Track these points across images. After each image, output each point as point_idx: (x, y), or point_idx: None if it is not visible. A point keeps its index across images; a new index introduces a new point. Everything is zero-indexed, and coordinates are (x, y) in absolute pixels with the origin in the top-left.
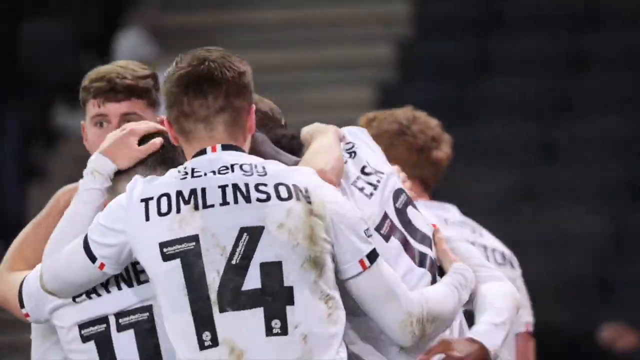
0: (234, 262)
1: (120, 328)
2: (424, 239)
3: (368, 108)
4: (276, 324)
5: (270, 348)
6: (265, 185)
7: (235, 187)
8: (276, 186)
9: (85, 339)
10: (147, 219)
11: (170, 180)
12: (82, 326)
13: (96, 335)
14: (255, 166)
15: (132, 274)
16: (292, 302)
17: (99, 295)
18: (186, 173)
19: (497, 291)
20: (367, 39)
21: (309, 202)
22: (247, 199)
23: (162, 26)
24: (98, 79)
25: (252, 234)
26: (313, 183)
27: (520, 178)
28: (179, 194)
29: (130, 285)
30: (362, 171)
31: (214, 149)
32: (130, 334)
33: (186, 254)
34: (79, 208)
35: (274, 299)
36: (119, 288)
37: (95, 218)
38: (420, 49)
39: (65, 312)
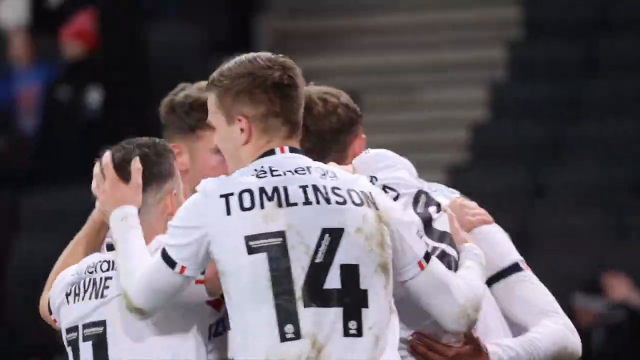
0: (317, 260)
1: (85, 338)
2: (443, 237)
3: (481, 107)
4: (352, 325)
5: (346, 347)
6: (340, 189)
7: (315, 188)
8: (349, 191)
9: (67, 343)
10: (229, 213)
11: (249, 178)
12: (66, 331)
13: (72, 342)
14: (326, 170)
15: (100, 287)
16: (366, 305)
17: (73, 303)
18: (264, 171)
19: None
20: (481, 42)
21: (377, 209)
22: (328, 201)
23: (290, 31)
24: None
25: (333, 235)
26: (374, 190)
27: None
28: (262, 190)
29: (96, 297)
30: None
31: (282, 150)
32: (89, 345)
33: (273, 248)
34: (134, 247)
35: (352, 300)
36: (89, 298)
37: (169, 225)
38: (530, 51)
39: (61, 314)
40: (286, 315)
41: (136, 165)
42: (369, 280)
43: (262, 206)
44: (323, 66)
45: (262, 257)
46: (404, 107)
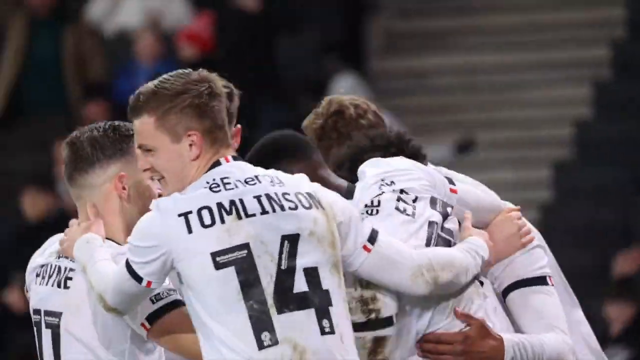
0: (282, 267)
1: (46, 325)
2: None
3: (586, 105)
4: (326, 323)
5: (325, 346)
6: (289, 194)
7: (268, 196)
8: (297, 195)
9: (34, 324)
10: (190, 231)
11: (203, 193)
12: (33, 311)
13: (36, 324)
14: (272, 176)
15: (62, 276)
16: (331, 304)
17: (39, 285)
18: (217, 184)
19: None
20: (586, 41)
21: (323, 208)
22: (282, 208)
23: (399, 31)
24: None
25: (292, 241)
26: (313, 187)
27: None
28: (220, 205)
29: (58, 286)
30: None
31: (227, 160)
32: (49, 333)
33: (239, 261)
34: (102, 259)
35: (320, 301)
36: (52, 285)
37: (129, 242)
38: (634, 50)
39: (30, 293)
40: (261, 324)
41: (91, 209)
42: (328, 281)
43: (222, 221)
44: (432, 65)
45: (230, 270)
46: (511, 104)
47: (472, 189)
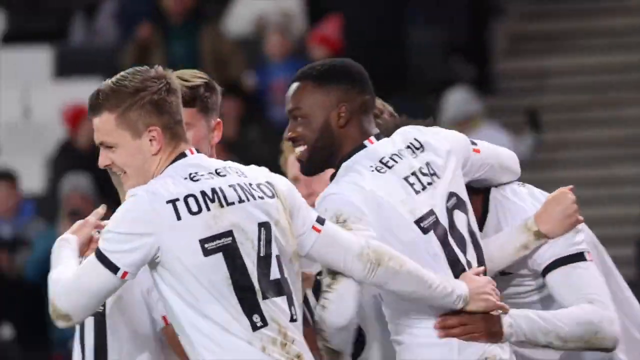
0: (261, 254)
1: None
2: (461, 241)
3: None
4: (293, 310)
5: (297, 332)
6: (252, 184)
7: (240, 186)
8: (259, 185)
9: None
10: (179, 218)
11: (184, 183)
12: None
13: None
14: (236, 168)
15: None
16: (293, 292)
17: None
18: (197, 173)
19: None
20: None
21: (279, 197)
22: (253, 197)
23: (523, 33)
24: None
25: (266, 229)
26: (271, 176)
27: None
28: (204, 193)
29: None
30: (420, 171)
31: (191, 152)
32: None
33: (226, 247)
34: (62, 257)
35: (287, 288)
36: None
37: (106, 231)
38: None
39: None
40: (250, 308)
41: (102, 209)
42: (289, 269)
43: (208, 208)
44: (555, 66)
45: (219, 257)
46: (629, 103)
47: (492, 147)
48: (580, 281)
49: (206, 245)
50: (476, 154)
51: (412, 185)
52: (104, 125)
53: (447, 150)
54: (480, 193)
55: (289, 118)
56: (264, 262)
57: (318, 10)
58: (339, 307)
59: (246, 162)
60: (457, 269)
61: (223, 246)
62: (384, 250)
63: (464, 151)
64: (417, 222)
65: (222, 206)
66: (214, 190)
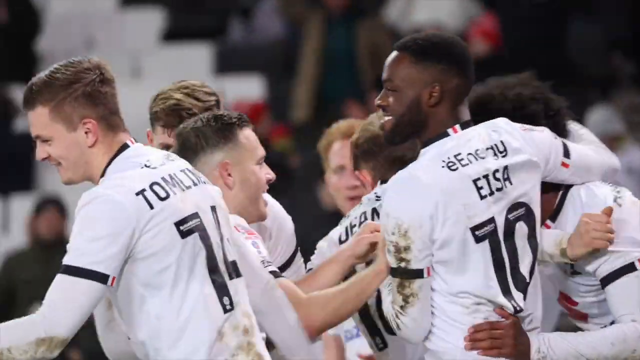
0: (220, 236)
1: None
2: (514, 253)
3: None
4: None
5: (253, 315)
6: (190, 169)
7: (189, 170)
8: (193, 171)
9: None
10: (152, 207)
11: (143, 172)
12: None
13: None
14: (171, 154)
15: None
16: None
17: None
18: (147, 164)
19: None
20: None
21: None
22: (199, 182)
23: None
24: (169, 111)
25: (215, 212)
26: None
27: None
28: (164, 180)
29: None
30: (494, 175)
31: (132, 142)
32: None
33: (198, 228)
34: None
35: (239, 270)
36: None
37: (75, 247)
38: None
39: None
40: (221, 289)
41: None
42: (234, 252)
43: (174, 192)
44: None
45: (195, 237)
46: None
47: (584, 163)
48: (627, 295)
49: (181, 228)
50: (564, 168)
51: (479, 189)
52: (38, 119)
53: (532, 159)
54: (560, 189)
55: (383, 86)
56: (223, 243)
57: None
58: (414, 329)
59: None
60: (504, 278)
61: (195, 227)
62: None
63: (552, 163)
64: (473, 229)
65: (183, 190)
66: (171, 176)
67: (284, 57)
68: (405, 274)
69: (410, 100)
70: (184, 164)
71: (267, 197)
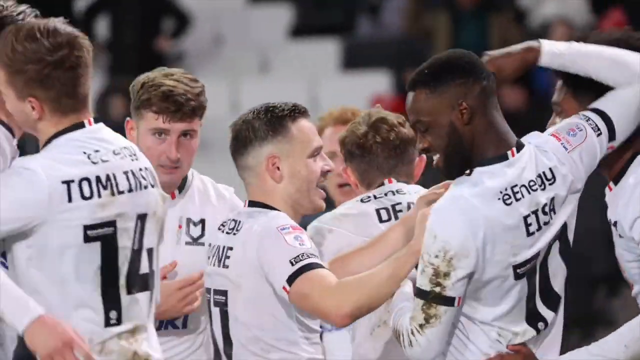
0: (135, 247)
1: (214, 303)
2: (546, 276)
3: None
4: (152, 307)
5: (152, 328)
6: (142, 170)
7: (133, 173)
8: (145, 170)
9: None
10: (70, 200)
11: (81, 162)
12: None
13: (207, 303)
14: (129, 149)
15: (222, 255)
16: (156, 287)
17: (208, 265)
18: (97, 150)
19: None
20: None
21: (158, 186)
22: (140, 186)
23: None
24: (163, 97)
25: (142, 221)
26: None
27: None
28: (98, 179)
29: (219, 265)
30: (542, 209)
31: (90, 123)
32: (217, 311)
33: (106, 237)
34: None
35: (153, 283)
36: (213, 265)
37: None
38: None
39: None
40: (111, 303)
41: None
42: (157, 264)
43: (99, 195)
44: None
45: (96, 245)
46: None
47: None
48: None
49: (88, 232)
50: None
51: (528, 226)
52: None
53: (577, 186)
54: (626, 152)
55: (415, 130)
56: (136, 255)
57: (601, 3)
58: (426, 350)
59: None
60: (533, 305)
61: (103, 236)
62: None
63: (600, 156)
64: (516, 267)
65: (113, 194)
66: (108, 177)
67: (411, 52)
68: (436, 299)
69: (447, 129)
70: (129, 163)
71: None
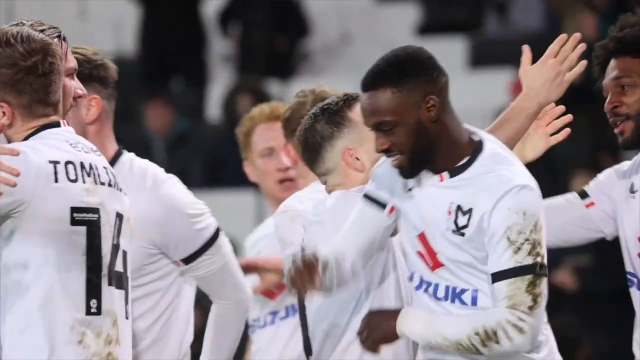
0: (114, 242)
1: None
2: None
3: None
4: (128, 309)
5: (127, 330)
6: (115, 174)
7: (110, 171)
8: (113, 174)
9: None
10: (57, 180)
11: (66, 147)
12: None
13: None
14: (99, 150)
15: None
16: (129, 291)
17: None
18: (78, 142)
19: None
20: None
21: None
22: (115, 185)
23: None
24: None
25: (120, 220)
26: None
27: None
28: (82, 165)
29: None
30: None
31: (64, 124)
32: None
33: (92, 223)
34: None
35: (127, 285)
36: None
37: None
38: None
39: None
40: (93, 290)
41: None
42: (129, 270)
43: (84, 180)
44: None
45: (83, 229)
46: None
47: None
48: None
49: (75, 215)
50: None
51: None
52: None
53: None
54: None
55: (374, 131)
56: (114, 250)
57: None
58: (537, 330)
59: None
60: None
61: (89, 221)
62: None
63: None
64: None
65: (95, 183)
66: (91, 166)
67: (541, 51)
68: (541, 269)
69: (414, 128)
70: (105, 162)
71: None
